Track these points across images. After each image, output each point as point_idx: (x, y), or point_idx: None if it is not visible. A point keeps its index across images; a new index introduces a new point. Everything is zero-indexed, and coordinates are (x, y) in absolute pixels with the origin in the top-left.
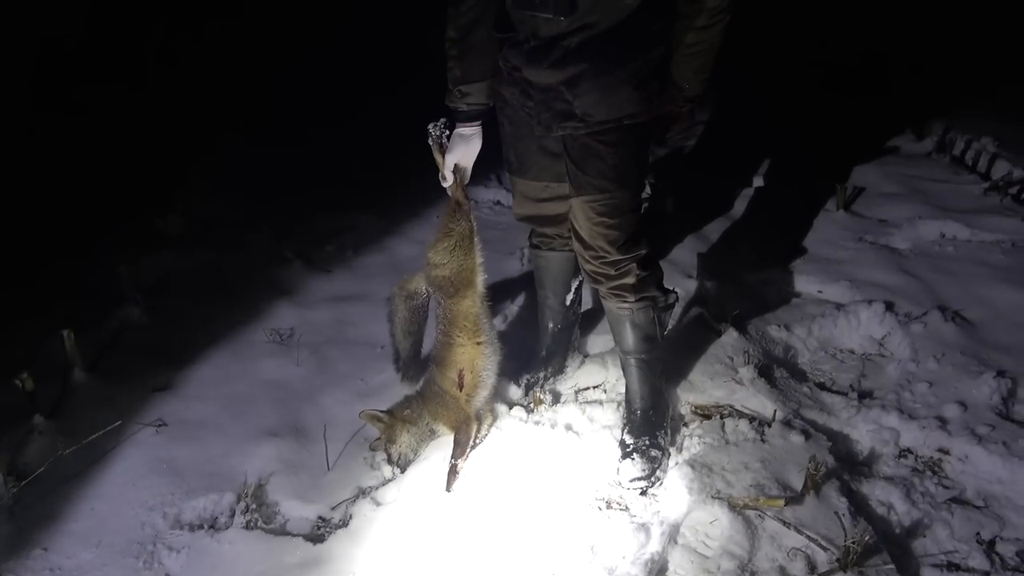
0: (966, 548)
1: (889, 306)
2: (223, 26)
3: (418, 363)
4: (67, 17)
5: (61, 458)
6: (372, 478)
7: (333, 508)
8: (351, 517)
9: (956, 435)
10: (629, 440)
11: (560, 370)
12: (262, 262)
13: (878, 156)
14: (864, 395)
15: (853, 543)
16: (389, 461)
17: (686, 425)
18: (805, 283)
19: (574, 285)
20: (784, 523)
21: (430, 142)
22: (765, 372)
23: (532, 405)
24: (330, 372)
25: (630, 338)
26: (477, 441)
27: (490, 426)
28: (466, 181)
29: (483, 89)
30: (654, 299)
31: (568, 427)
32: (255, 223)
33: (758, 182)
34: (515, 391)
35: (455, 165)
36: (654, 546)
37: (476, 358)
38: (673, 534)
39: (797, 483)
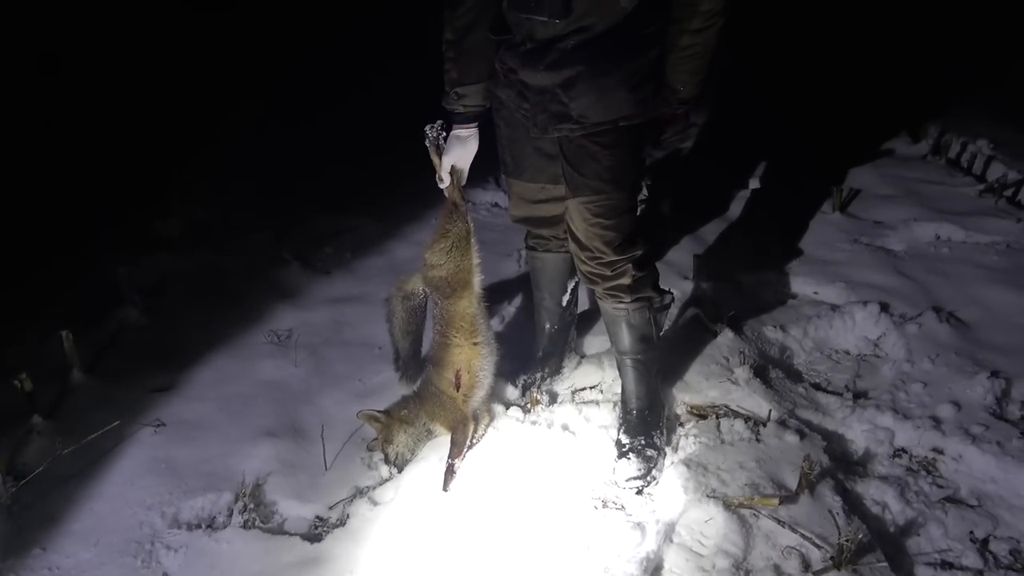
0: (960, 547)
1: (884, 307)
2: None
3: (417, 363)
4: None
5: (60, 458)
6: (369, 478)
7: (331, 508)
8: (348, 517)
9: (950, 435)
10: (625, 440)
11: (557, 370)
12: (261, 263)
13: (874, 158)
14: (859, 395)
15: (847, 541)
16: (386, 461)
17: (682, 425)
18: (801, 284)
19: (570, 286)
20: (779, 522)
21: (427, 144)
22: (760, 372)
23: (529, 405)
24: (328, 373)
25: (626, 338)
26: (474, 441)
27: (487, 426)
28: (463, 182)
29: (480, 91)
30: (650, 300)
31: (564, 427)
32: (254, 224)
33: (754, 184)
34: (512, 391)
35: (452, 166)
36: (650, 545)
37: (473, 358)
38: (669, 533)
39: (792, 482)
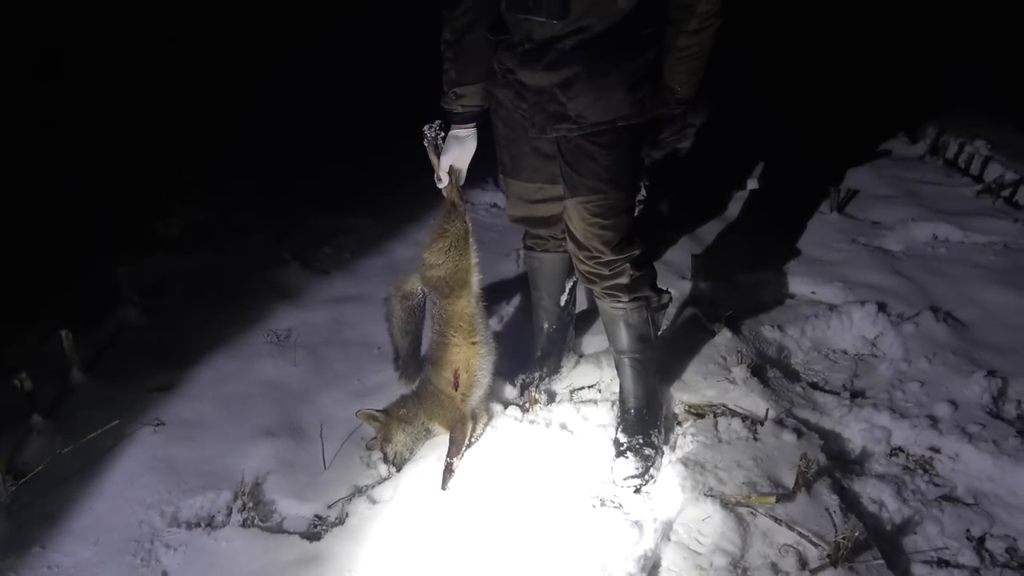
0: (956, 545)
1: (882, 307)
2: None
3: (417, 362)
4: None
5: (59, 457)
6: (368, 477)
7: (329, 506)
8: (347, 515)
9: (947, 434)
10: (623, 439)
11: (555, 370)
12: (260, 264)
13: (872, 159)
14: (856, 394)
15: (844, 539)
16: (385, 460)
17: (679, 424)
18: (799, 284)
19: (568, 286)
20: (776, 520)
21: (426, 143)
22: (758, 372)
23: (527, 405)
24: (327, 372)
25: (624, 338)
26: (472, 440)
27: (485, 425)
28: (461, 182)
29: (478, 91)
30: (648, 299)
31: (563, 426)
32: (253, 225)
33: (752, 184)
34: (510, 391)
35: (450, 166)
36: (648, 543)
37: (471, 358)
38: (666, 531)
39: (789, 481)
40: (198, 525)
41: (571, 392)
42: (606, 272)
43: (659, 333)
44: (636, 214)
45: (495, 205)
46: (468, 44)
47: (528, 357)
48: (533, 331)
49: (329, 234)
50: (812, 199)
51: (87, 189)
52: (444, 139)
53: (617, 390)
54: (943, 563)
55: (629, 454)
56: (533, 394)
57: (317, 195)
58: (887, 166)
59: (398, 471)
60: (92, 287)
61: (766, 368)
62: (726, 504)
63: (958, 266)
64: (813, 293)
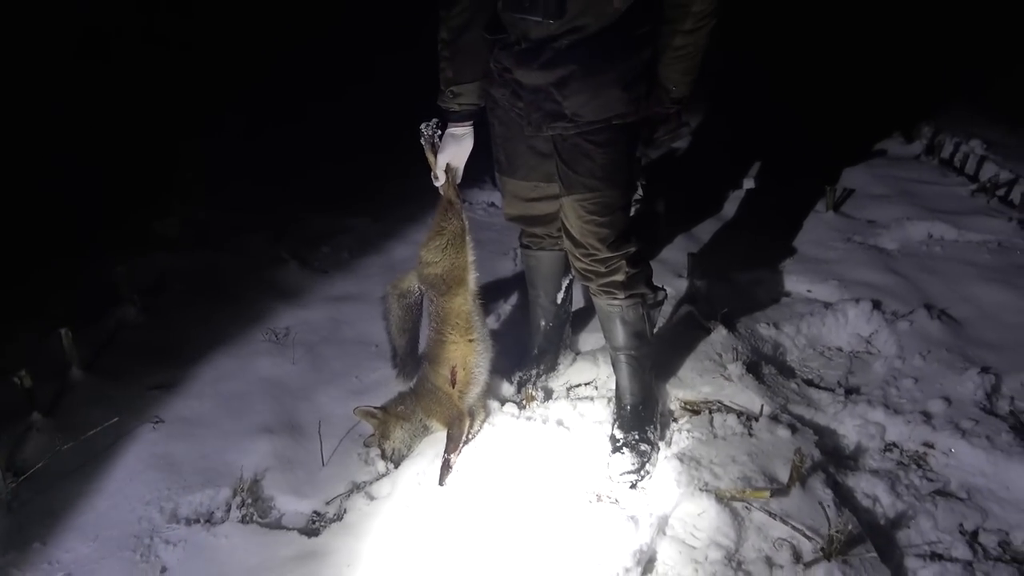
0: (949, 539)
1: (876, 305)
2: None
3: (415, 360)
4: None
5: (59, 454)
6: (366, 473)
7: (328, 503)
8: (345, 511)
9: (941, 429)
10: (619, 435)
11: (552, 367)
12: (258, 263)
13: (868, 158)
14: (851, 391)
15: (837, 532)
16: (383, 456)
17: (675, 420)
18: (794, 282)
19: (564, 283)
20: (770, 514)
21: (423, 142)
22: (753, 369)
23: (524, 401)
24: (325, 370)
25: (620, 334)
26: (470, 436)
27: (483, 422)
28: (458, 180)
29: (475, 90)
30: (643, 296)
31: (559, 423)
32: (252, 224)
33: (748, 184)
34: (507, 388)
35: (447, 165)
36: (643, 538)
37: (468, 355)
38: (662, 526)
39: (783, 476)
40: (197, 521)
41: (568, 389)
42: (602, 269)
43: (655, 330)
44: (632, 212)
45: (492, 204)
46: (465, 43)
47: (525, 354)
48: (530, 329)
49: (327, 233)
50: (808, 198)
51: (87, 189)
52: (441, 137)
53: (613, 387)
54: (936, 556)
55: (625, 450)
56: (530, 391)
57: (315, 194)
58: (883, 165)
59: (396, 467)
60: (91, 286)
61: (761, 365)
62: (721, 499)
63: (953, 264)
64: (809, 291)
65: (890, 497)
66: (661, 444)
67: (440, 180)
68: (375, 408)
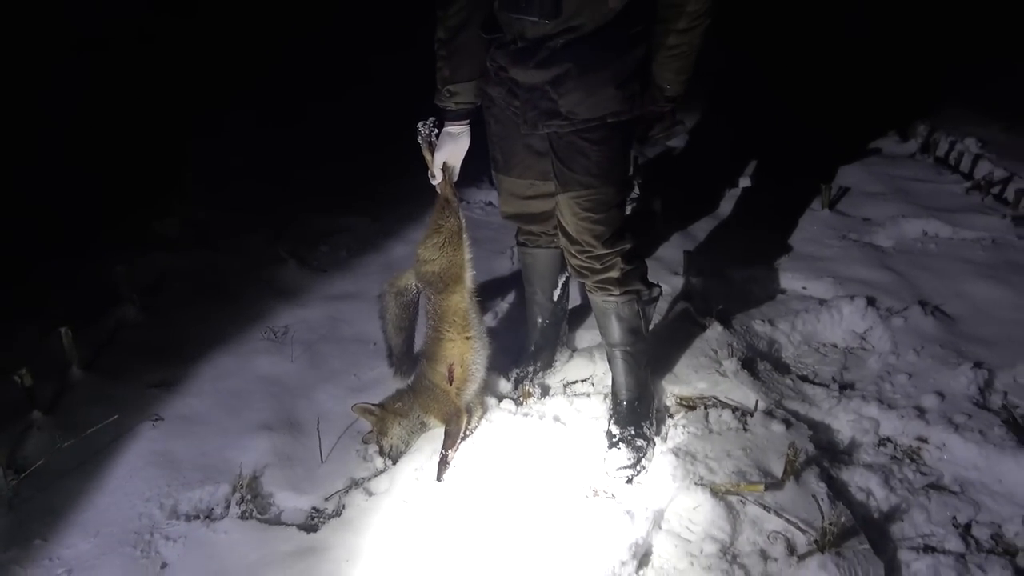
0: (942, 531)
1: (871, 301)
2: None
3: (410, 358)
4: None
5: (60, 452)
6: (364, 469)
7: (326, 499)
8: (344, 507)
9: (934, 424)
10: (615, 430)
11: (549, 364)
12: (257, 262)
13: (863, 156)
14: (845, 386)
15: (830, 525)
16: (381, 453)
17: (671, 415)
18: (790, 280)
19: (561, 281)
20: (764, 508)
21: (420, 140)
22: (748, 365)
23: (521, 398)
24: (324, 368)
25: (616, 330)
26: (467, 433)
27: (480, 418)
28: (455, 179)
29: (471, 89)
30: (639, 292)
31: (556, 419)
32: (251, 224)
33: (744, 182)
34: (505, 385)
35: (444, 163)
36: (639, 531)
37: (465, 352)
38: (658, 519)
39: (778, 470)
40: (197, 517)
41: (564, 386)
42: (597, 266)
43: (651, 327)
44: (628, 210)
45: (490, 203)
46: (461, 43)
47: (522, 351)
48: (527, 326)
49: (325, 232)
50: (803, 196)
51: (87, 188)
52: (438, 136)
53: (610, 383)
54: (929, 549)
55: (621, 445)
56: (527, 388)
57: (313, 194)
58: (878, 163)
59: (394, 463)
60: (91, 285)
61: (756, 361)
62: (716, 493)
63: (947, 261)
64: (804, 288)
65: (883, 491)
66: (657, 439)
67: (437, 178)
68: (373, 405)
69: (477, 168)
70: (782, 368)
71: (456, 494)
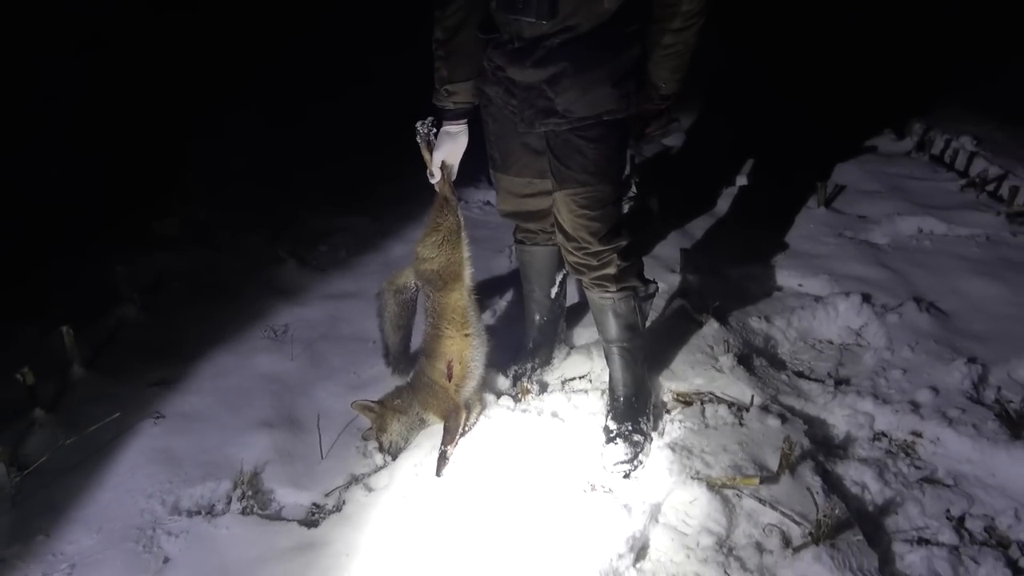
0: (936, 524)
1: (866, 298)
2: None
3: (407, 357)
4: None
5: (62, 449)
6: (364, 465)
7: (327, 494)
8: (344, 503)
9: (928, 418)
10: (613, 426)
11: (547, 361)
12: (257, 262)
13: (859, 155)
14: (840, 382)
15: (825, 517)
16: (381, 449)
17: (668, 411)
18: (786, 277)
19: (558, 278)
20: (760, 501)
21: (418, 140)
22: (745, 361)
23: (519, 394)
24: (323, 366)
25: (612, 327)
26: (466, 429)
27: (479, 415)
28: (453, 177)
29: (469, 88)
30: (635, 289)
31: (554, 414)
32: (250, 224)
33: (741, 180)
34: (503, 382)
35: (442, 162)
36: (636, 525)
37: (464, 349)
38: (655, 513)
39: (773, 464)
40: (199, 513)
41: (562, 382)
42: (594, 262)
43: (648, 324)
44: (624, 207)
45: (488, 203)
46: (459, 43)
47: (520, 348)
48: (525, 323)
49: (325, 232)
50: (800, 194)
51: (87, 188)
52: (436, 135)
53: (607, 379)
54: (923, 541)
55: (619, 440)
56: (525, 384)
57: (313, 194)
58: (874, 162)
59: (393, 459)
60: (92, 285)
61: (752, 357)
62: (712, 487)
63: (942, 258)
64: (800, 285)
65: (878, 484)
66: (654, 434)
67: (436, 177)
68: (373, 402)
69: (475, 167)
70: (778, 364)
71: (455, 489)
